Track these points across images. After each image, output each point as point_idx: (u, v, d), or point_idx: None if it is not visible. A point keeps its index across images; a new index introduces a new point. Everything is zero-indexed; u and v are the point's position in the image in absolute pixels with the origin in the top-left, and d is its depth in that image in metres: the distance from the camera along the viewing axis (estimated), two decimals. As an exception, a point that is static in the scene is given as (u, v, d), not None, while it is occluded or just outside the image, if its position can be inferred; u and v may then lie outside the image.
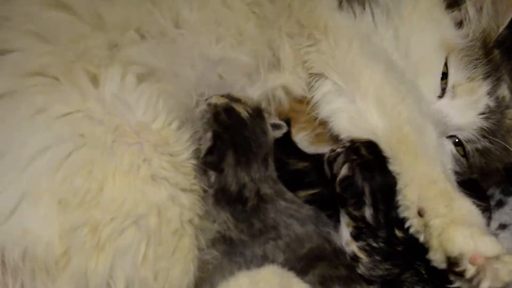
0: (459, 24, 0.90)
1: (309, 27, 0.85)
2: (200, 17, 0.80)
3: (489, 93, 0.86)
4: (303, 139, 0.88)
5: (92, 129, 0.65)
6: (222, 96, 0.80)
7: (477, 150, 0.88)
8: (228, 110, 0.78)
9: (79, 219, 0.62)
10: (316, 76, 0.87)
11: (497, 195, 0.98)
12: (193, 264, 0.68)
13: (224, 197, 0.75)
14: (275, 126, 0.83)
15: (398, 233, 0.77)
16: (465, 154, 0.89)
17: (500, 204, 0.97)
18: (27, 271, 0.61)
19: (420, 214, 0.74)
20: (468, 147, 0.88)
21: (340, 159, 0.78)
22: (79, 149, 0.64)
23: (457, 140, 0.89)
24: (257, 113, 0.80)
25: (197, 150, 0.75)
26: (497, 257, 0.67)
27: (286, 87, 0.88)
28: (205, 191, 0.74)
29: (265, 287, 0.64)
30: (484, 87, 0.86)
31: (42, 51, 0.68)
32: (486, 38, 0.86)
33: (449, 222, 0.71)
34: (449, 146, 0.90)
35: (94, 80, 0.68)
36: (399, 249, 0.76)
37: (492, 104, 0.86)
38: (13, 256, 0.61)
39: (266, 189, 0.77)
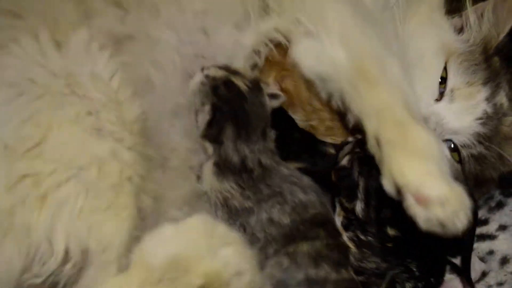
0: (460, 30, 0.90)
1: None
2: None
3: (487, 99, 0.86)
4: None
5: (44, 76, 0.65)
6: (220, 68, 0.80)
7: (472, 156, 0.88)
8: (227, 83, 0.78)
9: (24, 169, 0.62)
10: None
11: (497, 196, 0.97)
12: (128, 222, 0.67)
13: (228, 168, 0.76)
14: (272, 96, 0.83)
15: (390, 231, 0.76)
16: (460, 160, 0.89)
17: (500, 205, 0.96)
18: None
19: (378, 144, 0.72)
20: (464, 152, 0.88)
21: (346, 149, 0.79)
22: (30, 97, 0.64)
23: (452, 146, 0.89)
24: (255, 85, 0.80)
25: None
26: (441, 203, 0.63)
27: (279, 30, 0.84)
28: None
29: (188, 233, 0.61)
30: (482, 93, 0.86)
31: (12, 25, 0.69)
32: (486, 44, 0.87)
33: (401, 152, 0.68)
34: (445, 152, 0.89)
35: (58, 45, 0.68)
36: (389, 245, 0.75)
37: (489, 110, 0.86)
38: None
39: (266, 160, 0.77)
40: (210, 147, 0.77)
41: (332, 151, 0.84)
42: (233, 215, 0.75)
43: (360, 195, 0.76)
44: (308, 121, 0.87)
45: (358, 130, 0.79)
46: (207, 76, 0.78)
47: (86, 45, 0.69)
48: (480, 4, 0.89)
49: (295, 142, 0.85)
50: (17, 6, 0.71)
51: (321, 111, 0.87)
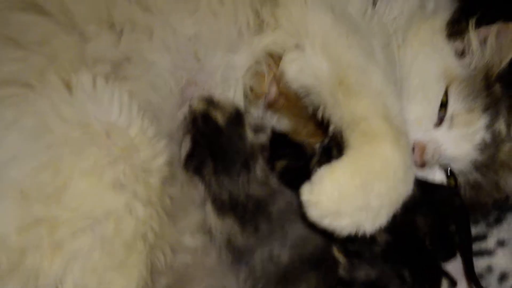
0: (461, 53, 0.89)
1: None
2: None
3: (487, 126, 0.85)
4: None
5: (62, 127, 0.64)
6: (202, 99, 0.79)
7: (468, 182, 0.87)
8: (205, 117, 0.77)
9: (39, 213, 0.61)
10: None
11: (495, 211, 0.96)
12: (136, 283, 0.66)
13: (223, 205, 0.74)
14: (257, 130, 0.82)
15: (380, 237, 0.74)
16: (456, 186, 0.88)
17: (498, 220, 0.95)
18: None
19: None
20: (460, 179, 0.87)
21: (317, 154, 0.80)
22: (48, 146, 0.64)
23: (449, 171, 0.88)
24: (235, 118, 0.79)
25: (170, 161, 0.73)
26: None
27: (276, 43, 0.83)
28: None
29: None
30: (482, 120, 0.85)
31: (14, 56, 0.68)
32: (488, 71, 0.86)
33: (351, 162, 0.68)
34: (441, 177, 0.88)
35: (68, 86, 0.67)
36: (377, 251, 0.74)
37: (488, 137, 0.85)
38: None
39: (256, 192, 0.76)
40: (199, 183, 0.76)
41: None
42: (236, 256, 0.73)
43: None
44: (295, 127, 0.87)
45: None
46: (190, 106, 0.78)
47: (94, 88, 0.68)
48: (483, 29, 0.88)
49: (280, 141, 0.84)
50: (14, 33, 0.69)
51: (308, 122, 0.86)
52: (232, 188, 0.75)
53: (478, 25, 0.89)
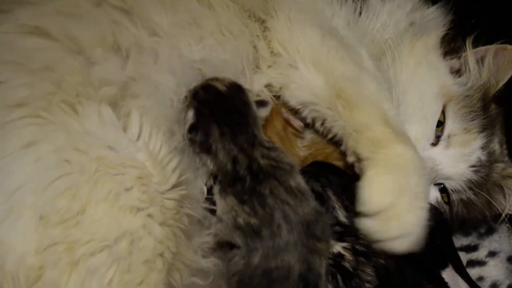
0: (457, 72, 0.90)
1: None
2: (174, 19, 0.79)
3: (483, 147, 0.86)
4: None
5: (77, 158, 0.66)
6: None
7: (461, 200, 0.88)
8: (205, 87, 0.78)
9: (58, 236, 0.63)
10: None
11: (485, 224, 0.98)
12: None
13: (226, 180, 0.74)
14: (260, 104, 0.82)
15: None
16: (449, 202, 0.89)
17: (490, 231, 0.97)
18: None
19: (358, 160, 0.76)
20: (454, 196, 0.88)
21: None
22: (66, 175, 0.65)
23: (442, 186, 0.89)
24: (236, 87, 0.80)
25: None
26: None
27: (270, 85, 0.86)
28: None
29: None
30: (479, 140, 0.86)
31: (21, 82, 0.68)
32: (485, 91, 0.87)
33: (377, 168, 0.73)
34: (435, 193, 0.90)
35: (74, 113, 0.68)
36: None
37: (483, 158, 0.86)
38: None
39: (259, 159, 0.75)
40: (209, 162, 0.75)
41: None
42: (248, 237, 0.71)
43: (336, 204, 0.78)
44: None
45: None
46: (188, 91, 0.78)
47: (99, 114, 0.69)
48: (480, 49, 0.89)
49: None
50: (20, 58, 0.69)
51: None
52: (236, 153, 0.75)
53: (475, 44, 0.89)
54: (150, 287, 0.66)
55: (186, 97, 0.78)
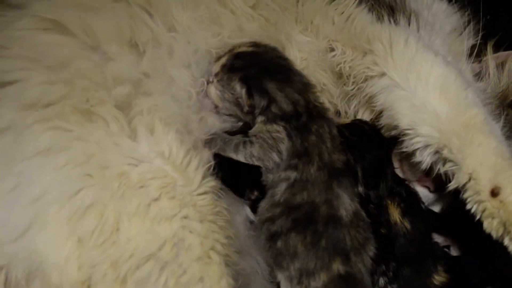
0: (477, 75, 0.91)
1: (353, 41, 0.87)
2: (194, 15, 0.79)
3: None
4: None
5: (99, 171, 0.65)
6: (216, 61, 0.82)
7: None
8: (236, 56, 0.80)
9: (98, 258, 0.64)
10: (366, 78, 0.86)
11: None
12: None
13: (284, 118, 0.77)
14: None
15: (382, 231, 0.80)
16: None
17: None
18: None
19: (494, 194, 0.71)
20: None
21: None
22: (88, 188, 0.65)
23: None
24: (259, 45, 0.83)
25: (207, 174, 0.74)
26: None
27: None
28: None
29: None
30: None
31: (41, 80, 0.68)
32: (504, 98, 0.88)
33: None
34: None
35: (88, 121, 0.68)
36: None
37: None
38: (16, 274, 0.63)
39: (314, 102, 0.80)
40: (279, 128, 0.77)
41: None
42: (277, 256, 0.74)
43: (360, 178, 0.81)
44: None
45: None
46: (216, 75, 0.80)
47: (117, 123, 0.69)
48: (501, 53, 0.90)
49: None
50: (40, 54, 0.69)
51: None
52: (297, 97, 0.78)
53: (496, 48, 0.91)
54: (213, 280, 0.66)
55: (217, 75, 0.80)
